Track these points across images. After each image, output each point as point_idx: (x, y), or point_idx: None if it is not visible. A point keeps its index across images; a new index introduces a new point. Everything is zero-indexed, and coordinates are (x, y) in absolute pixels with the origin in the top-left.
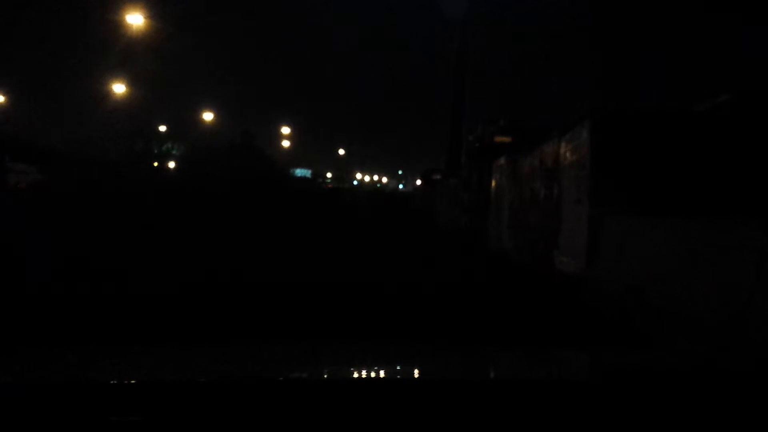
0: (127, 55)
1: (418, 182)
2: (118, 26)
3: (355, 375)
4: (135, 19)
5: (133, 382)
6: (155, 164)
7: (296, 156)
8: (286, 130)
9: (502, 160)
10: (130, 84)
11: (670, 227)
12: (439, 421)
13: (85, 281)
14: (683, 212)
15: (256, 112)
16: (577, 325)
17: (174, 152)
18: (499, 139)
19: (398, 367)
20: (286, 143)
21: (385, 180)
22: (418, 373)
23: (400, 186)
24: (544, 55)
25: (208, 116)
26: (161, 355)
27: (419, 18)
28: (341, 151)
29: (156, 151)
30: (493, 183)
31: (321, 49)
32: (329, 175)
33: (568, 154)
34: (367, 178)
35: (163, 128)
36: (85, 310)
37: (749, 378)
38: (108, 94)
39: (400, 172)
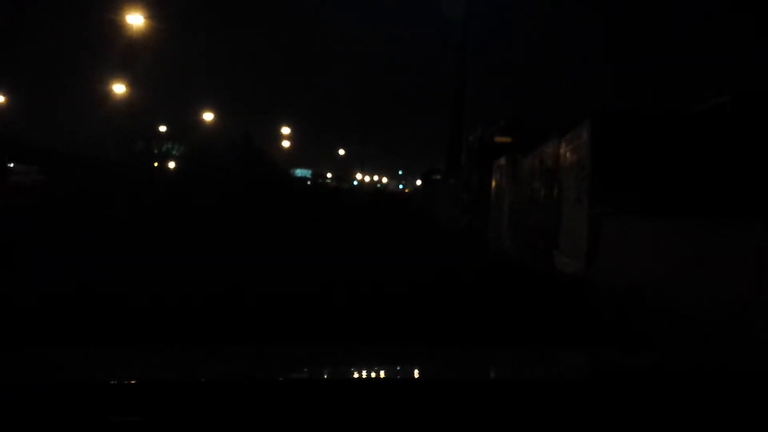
0: (127, 55)
1: (419, 182)
2: (118, 26)
3: (355, 375)
4: (135, 19)
5: (133, 382)
6: (155, 165)
7: (296, 156)
8: (286, 130)
9: (502, 160)
10: (130, 84)
11: (670, 227)
12: (439, 421)
13: (85, 281)
14: (683, 212)
15: (256, 112)
16: (577, 325)
17: (174, 153)
18: (499, 139)
19: (398, 368)
20: (286, 143)
21: (385, 180)
22: (418, 374)
23: (400, 186)
24: (544, 55)
25: (208, 116)
26: (162, 355)
27: (419, 18)
28: (341, 151)
29: (156, 152)
30: (493, 183)
31: (321, 49)
32: (329, 175)
33: (568, 154)
34: (367, 179)
35: (163, 129)
36: (85, 310)
37: (749, 378)
38: (108, 95)
39: (400, 172)
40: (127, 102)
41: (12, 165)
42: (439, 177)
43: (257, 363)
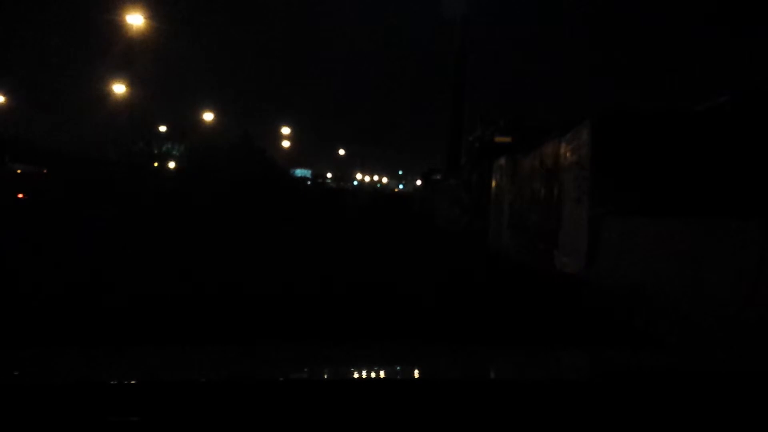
0: (127, 55)
1: (418, 182)
2: (119, 26)
3: (355, 375)
4: (135, 19)
5: (133, 382)
6: (155, 165)
7: (296, 156)
8: (286, 130)
9: (502, 160)
10: (130, 84)
11: (670, 227)
12: (439, 421)
13: (85, 281)
14: (683, 212)
15: (256, 112)
16: (577, 325)
17: (174, 153)
18: (499, 139)
19: (398, 368)
20: (286, 143)
21: (385, 180)
22: (419, 374)
23: (400, 186)
24: (544, 55)
25: (208, 116)
26: (161, 356)
27: (419, 18)
28: (341, 151)
29: (156, 152)
30: (493, 183)
31: (321, 49)
32: (329, 175)
33: (568, 154)
34: (367, 179)
35: (163, 128)
36: (85, 310)
37: (749, 378)
38: (108, 95)
39: (400, 172)
40: (127, 102)
41: (11, 164)
42: (439, 177)
43: (257, 363)
